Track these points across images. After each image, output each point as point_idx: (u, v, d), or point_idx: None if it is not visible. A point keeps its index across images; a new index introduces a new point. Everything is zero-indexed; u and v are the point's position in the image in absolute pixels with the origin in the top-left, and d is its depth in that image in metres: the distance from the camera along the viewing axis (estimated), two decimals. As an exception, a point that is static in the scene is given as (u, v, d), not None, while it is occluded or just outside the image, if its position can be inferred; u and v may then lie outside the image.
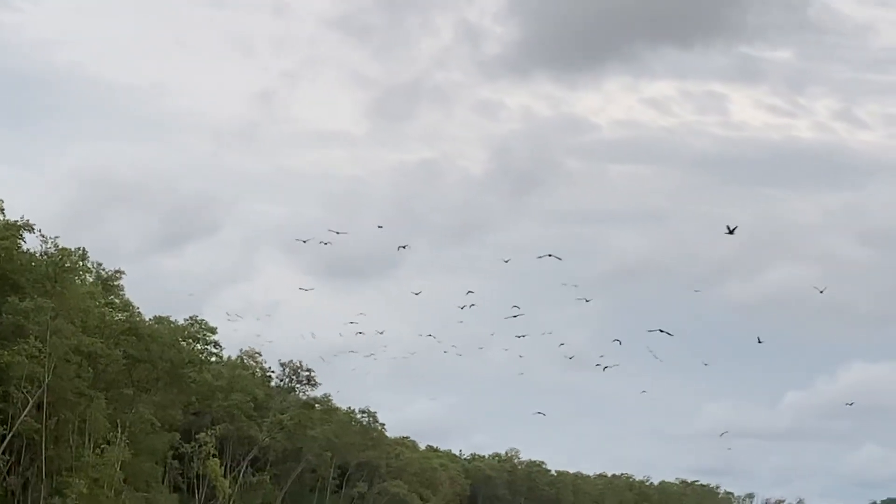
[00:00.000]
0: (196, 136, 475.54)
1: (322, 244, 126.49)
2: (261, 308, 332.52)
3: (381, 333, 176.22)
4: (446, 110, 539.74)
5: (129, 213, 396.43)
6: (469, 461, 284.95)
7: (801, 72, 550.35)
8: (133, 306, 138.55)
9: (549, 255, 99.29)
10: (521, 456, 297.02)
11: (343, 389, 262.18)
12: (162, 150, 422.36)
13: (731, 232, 79.78)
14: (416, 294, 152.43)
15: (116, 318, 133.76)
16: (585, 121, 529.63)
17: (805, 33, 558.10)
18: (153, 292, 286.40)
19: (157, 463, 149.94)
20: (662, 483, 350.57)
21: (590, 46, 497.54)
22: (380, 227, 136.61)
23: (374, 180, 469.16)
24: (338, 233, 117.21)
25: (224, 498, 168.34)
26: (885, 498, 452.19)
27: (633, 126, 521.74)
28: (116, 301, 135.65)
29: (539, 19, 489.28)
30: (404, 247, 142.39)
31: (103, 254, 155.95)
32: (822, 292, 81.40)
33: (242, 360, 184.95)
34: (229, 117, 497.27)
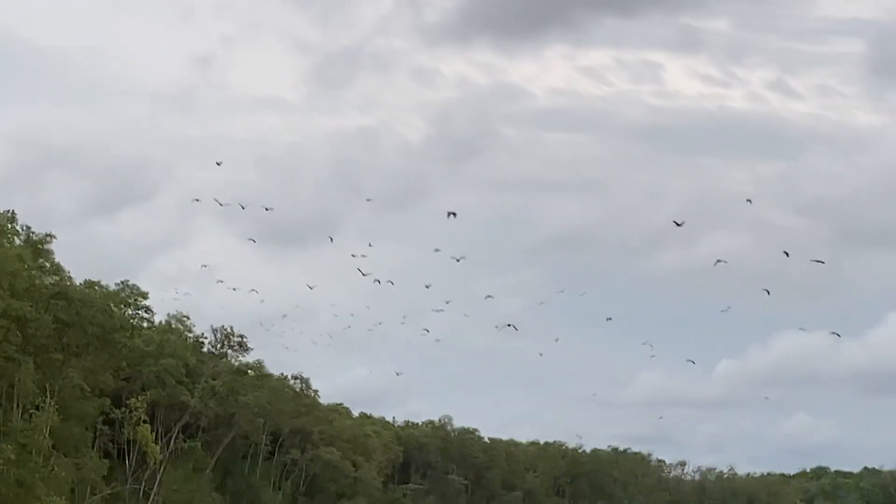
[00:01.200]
0: (132, 101, 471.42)
1: (238, 208, 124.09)
2: (194, 273, 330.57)
3: (314, 301, 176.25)
4: (386, 77, 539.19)
5: (64, 178, 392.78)
6: (402, 428, 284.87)
7: (736, 41, 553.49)
8: (63, 270, 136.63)
9: (508, 325, 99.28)
10: (454, 423, 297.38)
11: (278, 356, 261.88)
12: (98, 114, 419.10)
13: (679, 224, 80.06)
14: (365, 275, 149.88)
15: (46, 281, 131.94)
16: (522, 89, 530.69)
17: (743, 3, 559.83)
18: (88, 257, 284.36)
19: (86, 428, 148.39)
20: (595, 451, 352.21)
21: (531, 14, 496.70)
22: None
23: (311, 146, 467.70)
24: (266, 209, 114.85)
25: (155, 464, 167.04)
26: (814, 466, 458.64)
27: (569, 95, 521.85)
28: (46, 265, 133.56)
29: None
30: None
31: (37, 218, 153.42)
32: (787, 255, 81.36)
33: (171, 324, 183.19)
34: (166, 81, 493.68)
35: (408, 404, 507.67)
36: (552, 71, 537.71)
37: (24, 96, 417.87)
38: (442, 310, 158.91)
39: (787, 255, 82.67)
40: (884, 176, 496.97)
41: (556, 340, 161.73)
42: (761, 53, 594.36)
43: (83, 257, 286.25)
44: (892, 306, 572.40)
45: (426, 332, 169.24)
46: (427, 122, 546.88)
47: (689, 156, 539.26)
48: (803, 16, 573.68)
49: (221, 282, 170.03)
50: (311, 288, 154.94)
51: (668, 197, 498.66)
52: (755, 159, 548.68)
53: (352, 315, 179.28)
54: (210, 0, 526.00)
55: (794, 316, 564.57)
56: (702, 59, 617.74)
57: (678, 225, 63.16)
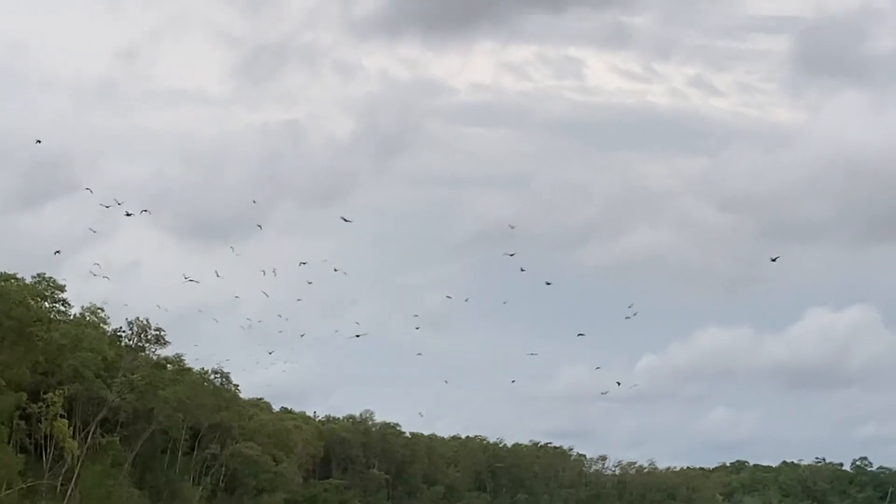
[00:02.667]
0: (56, 93, 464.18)
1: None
2: (120, 268, 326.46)
3: (237, 298, 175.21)
4: (313, 71, 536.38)
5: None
6: (323, 423, 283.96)
7: (658, 38, 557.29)
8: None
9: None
10: (375, 418, 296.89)
11: (199, 351, 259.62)
12: (20, 107, 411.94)
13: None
14: (310, 283, 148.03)
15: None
16: (445, 84, 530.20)
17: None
18: (10, 250, 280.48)
19: (2, 423, 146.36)
20: (516, 445, 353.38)
21: (460, 10, 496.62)
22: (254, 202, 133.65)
23: (237, 141, 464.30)
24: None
25: (73, 459, 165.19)
26: (734, 460, 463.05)
27: (492, 90, 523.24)
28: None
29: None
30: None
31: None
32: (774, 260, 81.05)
33: (85, 316, 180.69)
34: (91, 75, 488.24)
35: (329, 399, 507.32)
36: (475, 66, 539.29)
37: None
38: (361, 330, 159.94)
39: (774, 260, 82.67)
40: (806, 172, 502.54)
41: (468, 350, 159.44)
42: (683, 50, 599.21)
43: (5, 250, 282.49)
44: (813, 302, 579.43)
45: (357, 324, 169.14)
46: (353, 117, 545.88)
47: (612, 151, 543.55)
48: (726, 13, 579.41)
49: (97, 265, 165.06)
50: (218, 276, 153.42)
51: (592, 192, 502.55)
52: (677, 155, 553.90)
53: (275, 316, 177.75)
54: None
55: (715, 311, 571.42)
56: (624, 56, 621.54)
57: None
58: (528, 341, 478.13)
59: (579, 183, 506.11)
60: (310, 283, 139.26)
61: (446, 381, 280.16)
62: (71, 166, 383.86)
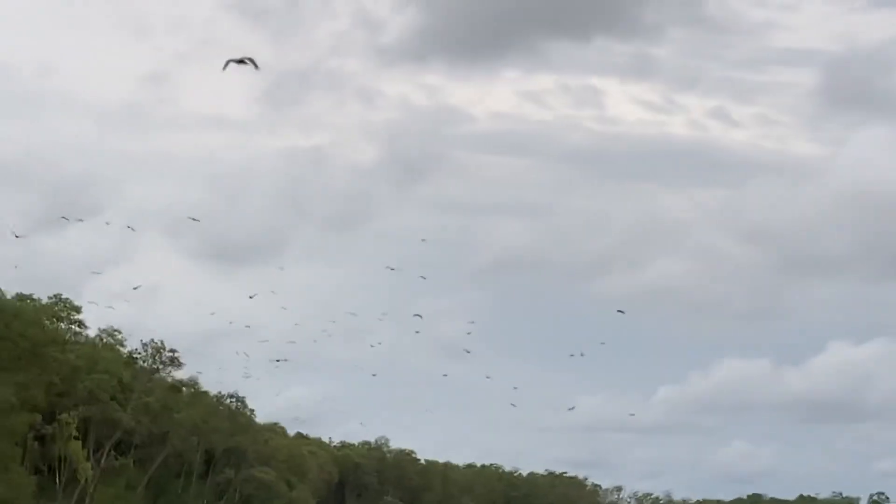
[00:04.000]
0: (80, 117, 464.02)
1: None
2: (142, 291, 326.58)
3: (248, 328, 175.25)
4: (337, 97, 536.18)
5: (9, 194, 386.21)
6: (338, 449, 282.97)
7: (678, 69, 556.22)
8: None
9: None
10: (390, 444, 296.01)
11: (217, 375, 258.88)
12: (45, 130, 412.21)
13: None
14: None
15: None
16: (465, 112, 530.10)
17: (696, 31, 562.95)
18: (33, 273, 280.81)
19: (16, 444, 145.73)
20: (531, 474, 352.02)
21: (487, 38, 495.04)
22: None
23: (260, 166, 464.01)
24: None
25: (86, 481, 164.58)
26: (750, 493, 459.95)
27: (512, 119, 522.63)
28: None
29: (437, 8, 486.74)
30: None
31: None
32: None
33: (101, 338, 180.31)
34: (118, 98, 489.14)
35: (347, 426, 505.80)
36: (496, 95, 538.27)
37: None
38: (379, 343, 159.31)
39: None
40: (827, 205, 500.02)
41: (488, 378, 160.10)
42: (704, 82, 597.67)
43: (26, 273, 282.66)
44: (833, 335, 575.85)
45: (377, 345, 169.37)
46: (374, 144, 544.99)
47: (630, 181, 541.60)
48: (750, 45, 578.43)
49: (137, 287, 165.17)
50: (251, 298, 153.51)
51: (611, 222, 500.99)
52: (696, 186, 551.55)
53: (291, 344, 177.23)
54: (165, 17, 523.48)
55: (735, 343, 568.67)
56: (645, 86, 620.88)
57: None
58: (544, 370, 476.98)
59: (598, 213, 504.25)
60: (333, 322, 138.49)
61: (513, 405, 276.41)
62: (94, 189, 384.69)
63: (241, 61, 44.75)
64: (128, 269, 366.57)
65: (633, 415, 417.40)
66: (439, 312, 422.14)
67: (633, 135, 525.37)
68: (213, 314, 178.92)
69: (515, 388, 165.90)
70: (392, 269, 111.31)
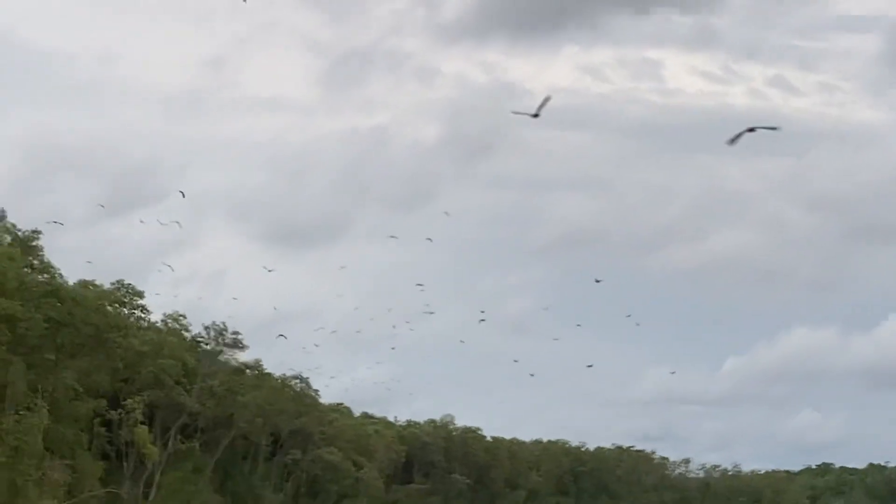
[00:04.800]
0: (143, 103, 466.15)
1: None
2: (206, 275, 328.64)
3: (313, 310, 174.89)
4: (398, 76, 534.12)
5: (74, 181, 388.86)
6: (404, 427, 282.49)
7: (739, 39, 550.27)
8: (54, 268, 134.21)
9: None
10: (456, 422, 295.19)
11: (282, 357, 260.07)
12: (108, 116, 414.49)
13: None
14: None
15: (37, 280, 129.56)
16: (523, 88, 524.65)
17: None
18: (99, 259, 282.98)
19: (82, 430, 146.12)
20: (598, 449, 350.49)
21: (547, 12, 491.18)
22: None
23: (322, 147, 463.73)
24: None
25: (153, 465, 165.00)
26: (819, 463, 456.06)
27: (570, 93, 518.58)
28: (35, 262, 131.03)
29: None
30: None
31: (47, 220, 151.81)
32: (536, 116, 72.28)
33: (167, 323, 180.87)
34: (178, 83, 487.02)
35: (412, 405, 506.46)
36: (554, 69, 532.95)
37: (33, 100, 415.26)
38: (433, 312, 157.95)
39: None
40: (892, 171, 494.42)
41: (556, 339, 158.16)
42: (764, 51, 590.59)
43: (92, 260, 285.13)
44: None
45: (442, 324, 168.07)
46: (436, 123, 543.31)
47: (692, 153, 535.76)
48: (811, 13, 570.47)
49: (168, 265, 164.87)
50: (342, 268, 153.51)
51: (674, 195, 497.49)
52: (758, 156, 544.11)
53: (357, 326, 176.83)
54: (224, 1, 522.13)
55: (802, 312, 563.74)
56: (703, 57, 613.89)
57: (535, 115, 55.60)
58: (610, 345, 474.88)
59: (660, 185, 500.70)
60: (398, 302, 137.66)
61: (532, 375, 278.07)
62: (157, 175, 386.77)
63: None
64: (193, 255, 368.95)
65: (673, 372, 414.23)
66: (504, 290, 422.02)
67: (694, 106, 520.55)
68: (277, 296, 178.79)
69: (590, 365, 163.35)
70: (452, 246, 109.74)
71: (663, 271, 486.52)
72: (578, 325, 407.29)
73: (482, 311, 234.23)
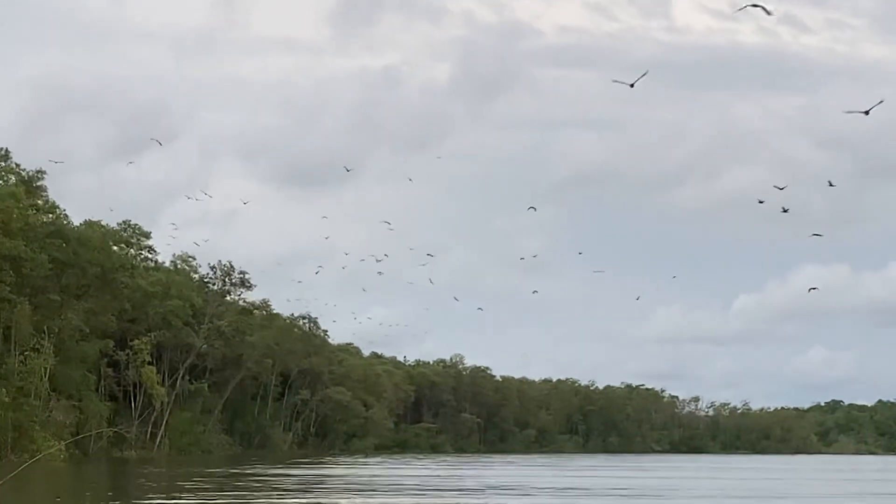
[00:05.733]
0: (153, 44, 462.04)
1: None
2: (218, 216, 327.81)
3: (327, 238, 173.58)
4: (408, 15, 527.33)
5: (84, 122, 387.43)
6: (413, 367, 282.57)
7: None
8: (59, 208, 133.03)
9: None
10: (465, 362, 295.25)
11: (292, 297, 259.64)
12: (118, 59, 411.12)
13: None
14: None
15: (42, 220, 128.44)
16: (532, 27, 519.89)
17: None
18: (110, 201, 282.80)
19: (89, 371, 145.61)
20: (608, 388, 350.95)
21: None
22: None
23: (332, 88, 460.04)
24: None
25: (161, 406, 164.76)
26: (828, 399, 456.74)
27: (578, 31, 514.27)
28: (39, 203, 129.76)
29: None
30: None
31: (51, 161, 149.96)
32: (781, 189, 76.65)
33: (176, 264, 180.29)
34: (188, 24, 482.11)
35: (422, 345, 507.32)
36: (560, 7, 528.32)
37: (42, 41, 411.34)
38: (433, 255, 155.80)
39: (781, 189, 77.35)
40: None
41: (563, 279, 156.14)
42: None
43: (104, 201, 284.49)
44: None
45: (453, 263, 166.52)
46: (446, 62, 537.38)
47: (703, 92, 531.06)
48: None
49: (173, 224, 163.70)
50: (325, 238, 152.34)
51: (685, 133, 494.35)
52: (769, 94, 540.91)
53: (372, 260, 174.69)
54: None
55: (812, 250, 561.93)
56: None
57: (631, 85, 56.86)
58: (621, 284, 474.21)
59: (671, 124, 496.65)
60: (391, 229, 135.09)
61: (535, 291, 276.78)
62: (168, 117, 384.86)
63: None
64: (204, 196, 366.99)
65: (638, 298, 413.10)
66: (517, 229, 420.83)
67: (703, 44, 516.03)
68: (287, 237, 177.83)
69: (638, 297, 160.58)
70: (467, 188, 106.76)
71: (676, 210, 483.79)
72: (580, 253, 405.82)
73: (492, 250, 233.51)
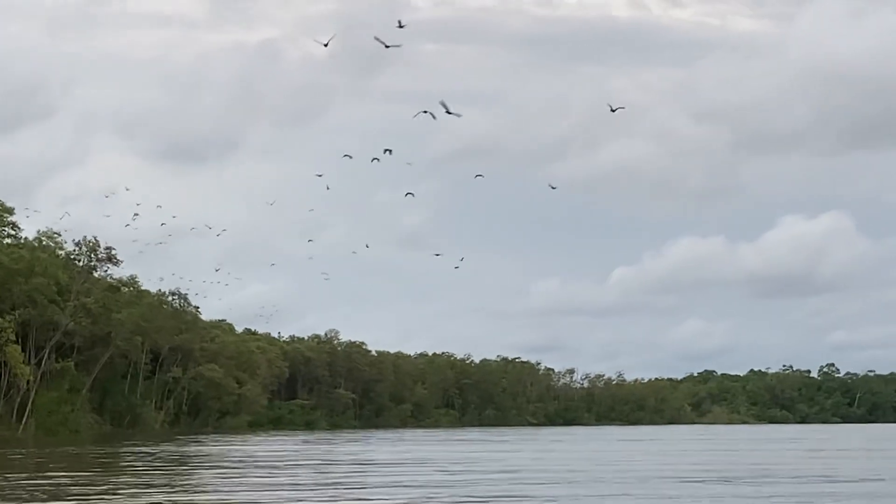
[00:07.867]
0: (28, 20, 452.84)
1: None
2: (95, 193, 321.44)
3: (205, 227, 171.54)
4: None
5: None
6: (288, 343, 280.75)
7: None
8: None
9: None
10: (340, 337, 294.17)
11: (166, 275, 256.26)
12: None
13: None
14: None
15: None
16: (410, 1, 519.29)
17: None
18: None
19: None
20: (484, 361, 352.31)
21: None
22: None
23: (213, 62, 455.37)
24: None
25: (27, 385, 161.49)
26: (701, 370, 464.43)
27: (450, 5, 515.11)
28: None
29: None
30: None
31: None
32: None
33: (41, 241, 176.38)
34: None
35: (302, 321, 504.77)
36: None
37: None
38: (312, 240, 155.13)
39: (614, 110, 77.55)
40: (779, 81, 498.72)
41: (437, 255, 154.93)
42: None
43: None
44: (786, 210, 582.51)
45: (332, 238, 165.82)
46: (326, 36, 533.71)
47: (580, 66, 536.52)
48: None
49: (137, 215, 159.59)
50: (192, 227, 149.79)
51: (564, 107, 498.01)
52: (646, 68, 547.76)
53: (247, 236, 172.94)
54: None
55: (689, 222, 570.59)
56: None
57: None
58: (501, 257, 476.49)
59: (550, 98, 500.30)
60: (270, 204, 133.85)
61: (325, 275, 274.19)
62: (44, 92, 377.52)
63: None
64: (80, 172, 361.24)
65: (457, 267, 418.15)
66: (398, 202, 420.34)
67: (576, 17, 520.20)
68: (174, 217, 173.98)
69: (456, 267, 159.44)
70: (349, 158, 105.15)
71: (556, 183, 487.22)
72: (459, 232, 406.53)
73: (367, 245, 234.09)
